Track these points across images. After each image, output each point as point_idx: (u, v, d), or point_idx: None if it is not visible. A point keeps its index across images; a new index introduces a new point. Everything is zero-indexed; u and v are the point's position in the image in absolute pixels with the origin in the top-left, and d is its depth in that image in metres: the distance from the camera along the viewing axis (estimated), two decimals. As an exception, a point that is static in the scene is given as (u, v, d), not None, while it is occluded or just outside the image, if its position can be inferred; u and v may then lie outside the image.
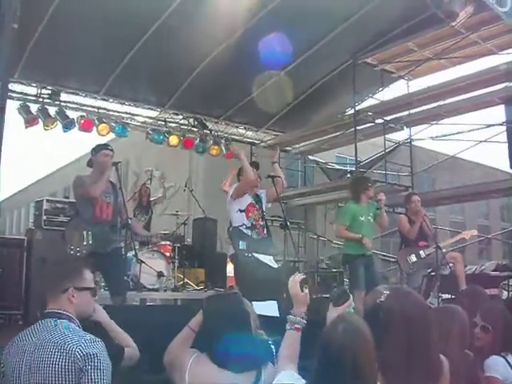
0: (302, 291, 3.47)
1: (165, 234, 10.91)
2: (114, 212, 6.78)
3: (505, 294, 9.30)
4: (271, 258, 7.22)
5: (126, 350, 3.42)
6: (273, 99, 12.91)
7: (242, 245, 7.01)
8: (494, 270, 10.42)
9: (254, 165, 7.85)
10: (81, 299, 3.20)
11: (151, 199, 11.49)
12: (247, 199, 7.42)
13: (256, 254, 7.01)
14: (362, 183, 8.58)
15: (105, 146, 6.93)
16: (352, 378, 2.59)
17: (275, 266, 7.21)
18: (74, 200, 8.57)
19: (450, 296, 8.18)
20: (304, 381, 2.82)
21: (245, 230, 7.17)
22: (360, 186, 8.47)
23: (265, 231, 7.45)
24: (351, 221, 8.21)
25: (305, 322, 3.31)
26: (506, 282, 9.37)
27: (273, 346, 3.53)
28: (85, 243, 6.48)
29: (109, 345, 3.27)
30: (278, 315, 4.49)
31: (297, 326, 3.31)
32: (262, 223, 7.44)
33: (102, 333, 3.39)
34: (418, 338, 3.14)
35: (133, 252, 8.61)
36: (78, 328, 3.07)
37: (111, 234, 6.72)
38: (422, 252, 8.57)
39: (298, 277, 3.52)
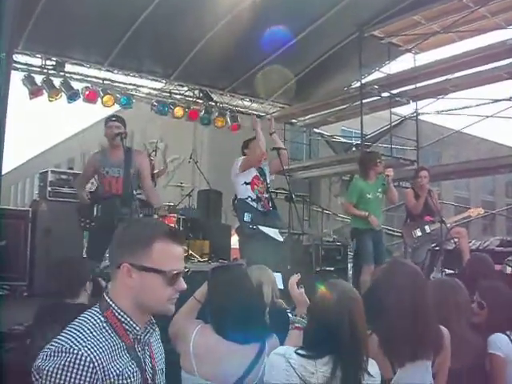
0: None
1: (170, 205, 10.94)
2: (125, 185, 6.77)
3: (508, 269, 9.28)
4: (276, 231, 7.19)
5: None
6: (278, 72, 12.82)
7: (246, 217, 6.99)
8: (498, 246, 10.40)
9: None
10: (142, 284, 2.19)
11: (154, 172, 11.49)
12: (252, 172, 7.37)
13: (261, 227, 6.99)
14: (371, 159, 8.58)
15: (109, 118, 6.95)
16: (350, 339, 2.78)
17: (280, 239, 7.19)
18: (78, 171, 8.63)
19: (453, 271, 8.18)
20: (293, 348, 2.92)
21: (250, 203, 7.15)
22: (369, 163, 8.49)
23: (270, 204, 7.43)
24: (358, 198, 8.32)
25: (305, 322, 3.40)
26: (511, 258, 9.34)
27: (290, 314, 3.58)
28: (94, 215, 6.55)
29: None
30: (282, 287, 4.50)
31: (297, 325, 3.43)
32: (266, 195, 7.41)
33: None
34: (410, 306, 3.19)
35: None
36: (87, 327, 2.12)
37: (121, 207, 6.72)
38: (427, 227, 8.56)
39: (294, 278, 3.61)
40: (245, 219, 6.99)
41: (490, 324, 4.06)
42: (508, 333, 3.94)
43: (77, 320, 2.16)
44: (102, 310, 2.19)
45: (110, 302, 2.20)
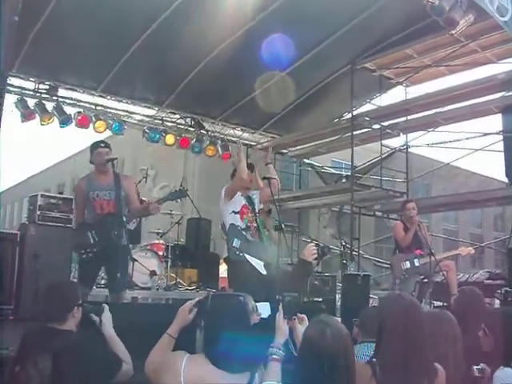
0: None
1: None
2: (117, 206, 6.71)
3: (497, 302, 9.29)
4: (262, 263, 7.13)
5: (123, 365, 3.35)
6: (270, 102, 12.88)
7: (235, 242, 6.90)
8: (487, 279, 10.42)
9: (250, 167, 7.75)
10: None
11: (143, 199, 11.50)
12: (241, 200, 7.31)
13: (247, 256, 6.94)
14: None
15: (98, 144, 6.87)
16: (345, 372, 2.85)
17: (264, 272, 7.10)
18: (68, 196, 8.61)
19: (441, 303, 8.18)
20: None
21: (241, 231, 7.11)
22: None
23: (258, 234, 7.38)
24: None
25: (283, 353, 3.41)
26: (499, 291, 9.36)
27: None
28: (92, 242, 6.47)
29: (108, 355, 3.23)
30: (266, 316, 4.49)
31: (275, 356, 3.39)
32: (255, 225, 7.38)
33: (103, 343, 3.33)
34: (413, 340, 3.17)
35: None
36: None
37: (115, 225, 6.60)
38: (416, 260, 8.54)
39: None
40: (233, 244, 6.92)
41: (498, 352, 3.78)
42: None
43: None
44: None
45: None
